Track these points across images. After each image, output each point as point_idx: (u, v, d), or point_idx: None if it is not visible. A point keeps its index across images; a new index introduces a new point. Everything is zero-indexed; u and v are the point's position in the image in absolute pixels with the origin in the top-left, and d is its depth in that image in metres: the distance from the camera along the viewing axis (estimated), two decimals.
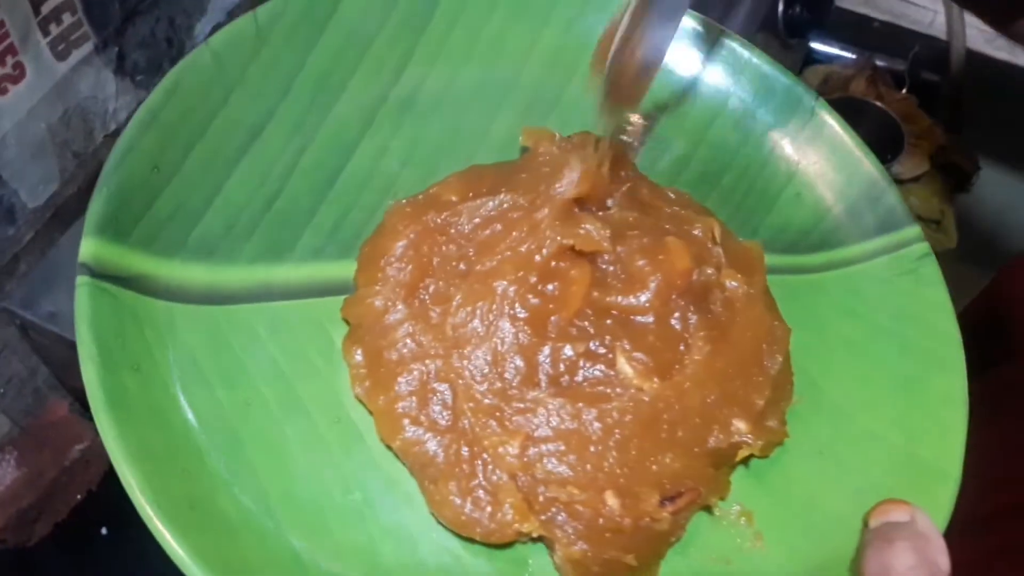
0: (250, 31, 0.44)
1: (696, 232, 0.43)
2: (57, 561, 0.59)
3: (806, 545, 0.39)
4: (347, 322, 0.41)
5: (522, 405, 0.37)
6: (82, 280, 0.36)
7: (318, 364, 0.40)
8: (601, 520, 0.36)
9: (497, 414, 0.37)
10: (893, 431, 0.42)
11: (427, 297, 0.40)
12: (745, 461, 0.41)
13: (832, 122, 0.49)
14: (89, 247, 0.36)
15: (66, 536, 0.59)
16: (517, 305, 0.39)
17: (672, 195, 0.46)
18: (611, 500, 0.36)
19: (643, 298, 0.40)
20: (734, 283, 0.42)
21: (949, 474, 0.40)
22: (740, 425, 0.39)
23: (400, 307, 0.39)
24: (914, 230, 0.47)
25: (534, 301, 0.39)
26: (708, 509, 0.39)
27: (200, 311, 0.39)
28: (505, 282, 0.39)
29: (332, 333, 0.40)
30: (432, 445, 0.37)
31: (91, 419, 0.33)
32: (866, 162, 0.49)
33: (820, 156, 0.50)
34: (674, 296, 0.40)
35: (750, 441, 0.39)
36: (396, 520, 0.37)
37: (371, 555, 0.36)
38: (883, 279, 0.47)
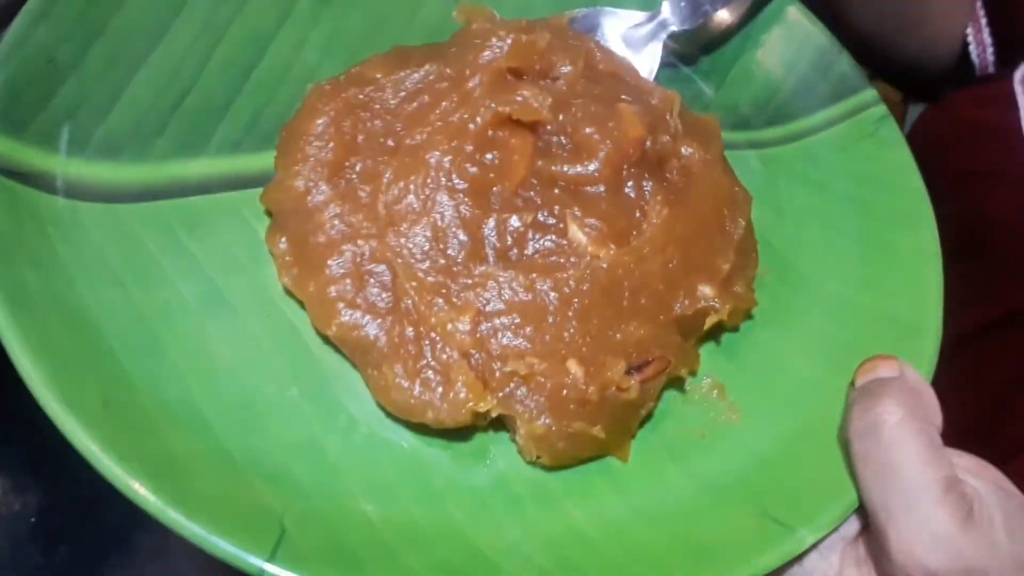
0: None
1: (654, 102, 0.40)
2: None
3: (782, 414, 0.37)
4: (270, 212, 0.37)
5: (470, 281, 0.34)
6: None
7: (242, 258, 0.36)
8: (565, 390, 0.33)
9: (443, 291, 0.34)
10: (864, 293, 0.40)
11: (354, 176, 0.36)
12: (715, 335, 0.38)
13: None
14: None
15: None
16: (454, 176, 0.35)
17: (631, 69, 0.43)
18: (574, 368, 0.33)
19: (592, 167, 0.37)
20: (690, 150, 0.39)
21: (927, 328, 0.38)
22: (706, 290, 0.37)
23: (324, 187, 0.36)
24: (870, 93, 0.45)
25: (472, 171, 0.35)
26: (679, 384, 0.37)
27: (109, 209, 0.35)
28: (439, 153, 0.35)
29: (256, 225, 0.37)
30: (372, 328, 0.33)
31: None
32: (814, 30, 0.47)
33: (766, 30, 0.47)
34: (626, 166, 0.37)
35: (717, 306, 0.36)
36: (340, 414, 0.33)
37: (316, 452, 0.32)
38: (842, 146, 0.45)
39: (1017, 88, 0.51)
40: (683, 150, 0.39)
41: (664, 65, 0.46)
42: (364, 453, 0.33)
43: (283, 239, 0.35)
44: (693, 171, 0.39)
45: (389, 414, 0.33)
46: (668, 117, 0.40)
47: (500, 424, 0.34)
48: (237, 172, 0.38)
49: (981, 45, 0.55)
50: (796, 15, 0.47)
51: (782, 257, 0.41)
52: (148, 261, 0.35)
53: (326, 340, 0.34)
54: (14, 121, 0.34)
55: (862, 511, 0.33)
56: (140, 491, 0.28)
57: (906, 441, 0.32)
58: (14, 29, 0.36)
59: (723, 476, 0.34)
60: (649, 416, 0.35)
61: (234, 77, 0.40)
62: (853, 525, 0.34)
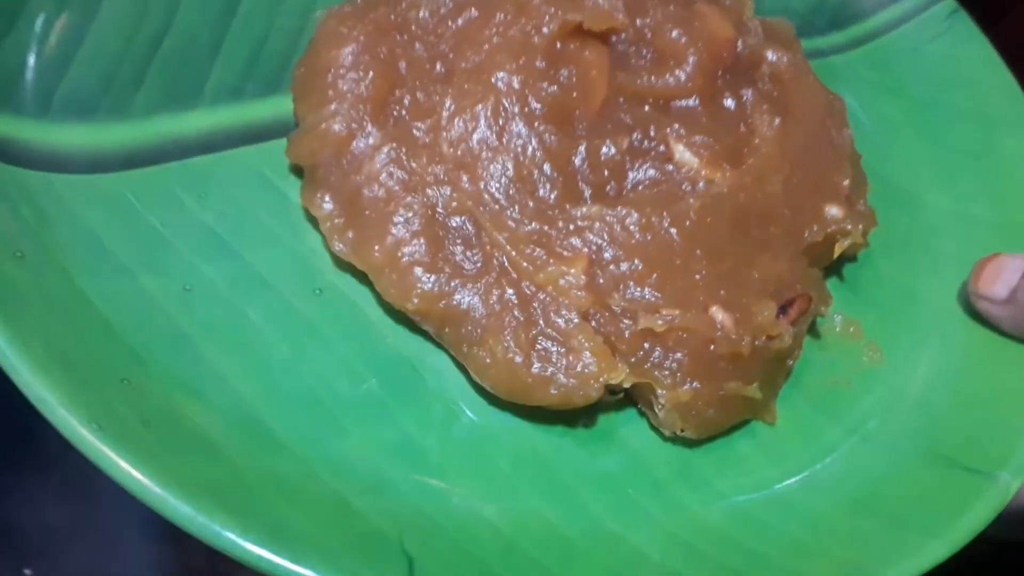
0: None
1: (727, 2, 0.34)
2: None
3: (929, 349, 0.32)
4: (298, 169, 0.30)
5: (572, 225, 0.27)
6: None
7: (272, 225, 0.29)
8: (712, 345, 0.26)
9: (543, 240, 0.27)
10: (977, 205, 0.35)
11: (404, 112, 0.29)
12: (835, 266, 0.33)
13: None
14: None
15: None
16: (530, 98, 0.28)
17: None
18: (721, 316, 0.27)
19: (682, 76, 0.31)
20: (777, 54, 0.33)
21: None
22: (833, 210, 0.31)
23: (370, 129, 0.28)
24: None
25: (550, 89, 0.29)
26: (812, 326, 0.31)
27: (94, 181, 0.28)
28: (505, 73, 0.29)
29: (281, 185, 0.30)
30: (464, 296, 0.27)
31: None
32: None
33: None
34: (720, 72, 0.31)
35: (849, 227, 0.31)
36: (433, 404, 0.27)
37: (414, 453, 0.25)
38: (913, 48, 0.40)
39: None
40: (769, 55, 0.33)
41: None
42: (472, 448, 0.26)
43: (326, 196, 0.28)
44: (785, 78, 0.33)
45: (491, 398, 0.27)
46: (745, 18, 0.34)
47: (628, 397, 0.28)
48: (245, 122, 0.31)
49: None
50: None
51: (878, 174, 0.36)
52: (155, 240, 0.27)
53: (397, 317, 0.27)
54: None
55: None
56: (231, 537, 0.21)
57: None
58: None
59: (888, 428, 0.29)
60: (794, 362, 0.30)
61: (217, 10, 0.32)
62: None
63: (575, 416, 0.27)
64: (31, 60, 0.29)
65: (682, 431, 0.27)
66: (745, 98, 0.31)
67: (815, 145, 0.32)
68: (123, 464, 0.21)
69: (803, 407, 0.29)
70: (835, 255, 0.31)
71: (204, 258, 0.27)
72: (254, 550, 0.21)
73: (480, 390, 0.27)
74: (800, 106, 0.32)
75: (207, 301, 0.26)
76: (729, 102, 0.31)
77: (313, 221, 0.29)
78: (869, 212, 0.32)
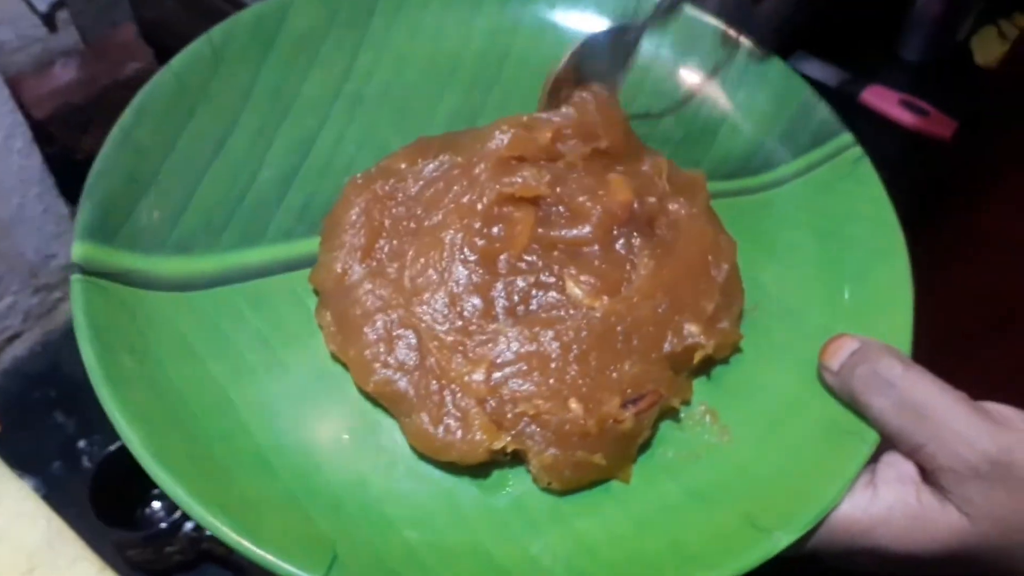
0: (206, 52, 0.47)
1: (645, 168, 0.46)
2: None
3: (769, 432, 0.41)
4: (316, 292, 0.44)
5: (483, 337, 0.40)
6: (76, 277, 0.39)
7: (297, 330, 0.43)
8: (567, 425, 0.38)
9: (461, 348, 0.40)
10: (844, 322, 0.44)
11: (383, 256, 0.43)
12: (707, 369, 0.44)
13: (759, 55, 0.52)
14: (79, 250, 0.40)
15: None
16: (466, 249, 0.42)
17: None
18: (575, 406, 0.39)
19: (586, 230, 0.43)
20: (676, 205, 0.45)
21: (901, 341, 0.42)
22: (692, 328, 0.42)
23: (357, 268, 0.42)
24: (847, 137, 0.50)
25: (480, 243, 0.42)
26: (674, 413, 0.42)
27: (185, 298, 0.42)
28: (452, 231, 0.42)
29: (307, 302, 0.44)
30: (403, 383, 0.40)
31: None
32: (794, 84, 0.52)
33: (751, 90, 0.53)
34: (616, 226, 0.43)
35: (702, 341, 0.42)
36: (382, 455, 0.40)
37: (363, 488, 0.38)
38: (824, 186, 0.49)
39: None
40: (670, 206, 0.45)
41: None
42: (404, 487, 0.39)
43: (328, 313, 0.42)
44: (680, 225, 0.45)
45: (420, 454, 0.40)
46: (657, 180, 0.45)
47: (517, 458, 0.40)
48: (290, 257, 0.45)
49: None
50: (777, 72, 0.52)
51: (769, 292, 0.46)
52: (220, 338, 0.42)
53: (367, 395, 0.41)
54: (105, 233, 0.41)
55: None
56: (219, 526, 0.34)
57: (920, 380, 0.38)
58: (101, 157, 0.43)
59: (713, 488, 0.39)
60: (648, 442, 0.41)
61: (285, 175, 0.47)
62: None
63: (479, 469, 0.39)
64: (155, 216, 0.44)
65: (549, 484, 0.39)
66: (634, 244, 0.43)
67: (690, 277, 0.43)
68: (170, 484, 0.35)
69: (656, 471, 0.40)
70: (694, 362, 0.42)
71: (251, 351, 0.42)
72: (235, 539, 0.34)
73: (413, 448, 0.40)
74: (684, 247, 0.44)
75: (247, 379, 0.41)
76: (621, 248, 0.43)
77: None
78: (731, 330, 0.43)
